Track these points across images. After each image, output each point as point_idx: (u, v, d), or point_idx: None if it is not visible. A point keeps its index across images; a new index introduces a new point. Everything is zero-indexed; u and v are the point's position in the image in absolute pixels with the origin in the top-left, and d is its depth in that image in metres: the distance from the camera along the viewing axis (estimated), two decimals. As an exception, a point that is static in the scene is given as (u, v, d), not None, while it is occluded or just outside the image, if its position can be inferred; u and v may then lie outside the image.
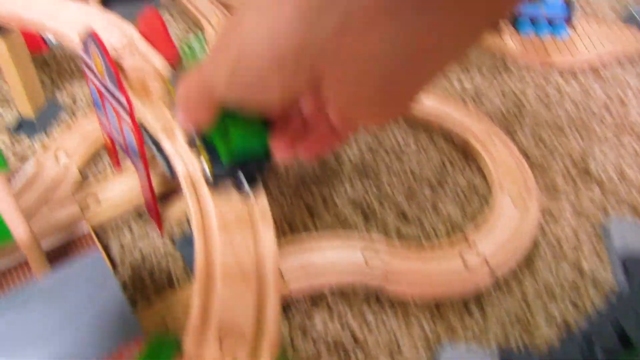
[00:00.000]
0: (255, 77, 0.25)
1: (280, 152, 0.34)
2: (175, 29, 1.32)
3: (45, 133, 1.03)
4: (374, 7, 0.21)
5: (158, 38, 0.77)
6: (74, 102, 1.10)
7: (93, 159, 0.98)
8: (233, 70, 0.25)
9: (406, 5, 0.20)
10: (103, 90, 0.78)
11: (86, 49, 0.75)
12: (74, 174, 0.92)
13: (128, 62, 0.78)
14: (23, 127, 1.04)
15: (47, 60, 1.21)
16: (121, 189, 0.90)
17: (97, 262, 0.68)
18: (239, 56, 0.24)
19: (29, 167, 0.92)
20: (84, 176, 0.95)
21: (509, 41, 1.27)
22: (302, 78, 0.24)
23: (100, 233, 0.87)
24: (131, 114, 0.71)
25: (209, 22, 1.29)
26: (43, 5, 0.88)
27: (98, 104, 0.85)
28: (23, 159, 0.99)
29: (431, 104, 1.06)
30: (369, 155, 0.99)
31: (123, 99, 0.70)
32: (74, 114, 1.07)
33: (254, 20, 0.23)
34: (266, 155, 0.50)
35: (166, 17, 1.35)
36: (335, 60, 0.23)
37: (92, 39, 0.70)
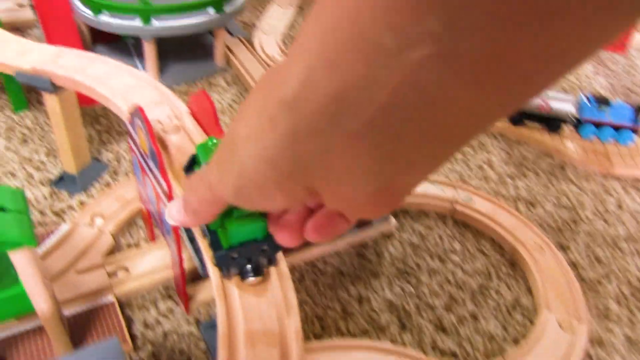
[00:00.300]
0: (257, 193, 0.28)
1: (283, 240, 0.35)
2: (230, 95, 1.31)
3: (85, 191, 1.02)
4: (355, 131, 0.22)
5: (206, 119, 0.75)
6: (118, 162, 1.09)
7: (128, 226, 0.96)
8: (237, 189, 0.29)
9: (386, 126, 0.21)
10: (144, 165, 0.76)
11: (132, 123, 0.74)
12: (107, 239, 0.91)
13: (172, 139, 0.76)
14: (65, 181, 1.03)
15: (98, 114, 1.21)
16: (152, 262, 0.87)
17: (113, 351, 0.65)
18: (241, 178, 0.28)
19: (64, 227, 0.91)
20: (117, 243, 0.93)
21: (570, 145, 1.22)
22: (299, 192, 0.27)
23: (125, 304, 0.84)
24: (170, 199, 0.69)
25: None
26: (98, 70, 0.87)
27: (139, 175, 0.83)
28: (59, 214, 0.98)
29: (482, 206, 1.02)
30: (411, 254, 0.95)
31: (163, 183, 0.67)
32: (116, 174, 1.06)
33: (249, 149, 0.26)
34: (264, 238, 0.59)
35: (221, 83, 1.35)
36: (326, 175, 0.25)
37: (139, 116, 0.68)
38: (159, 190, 0.72)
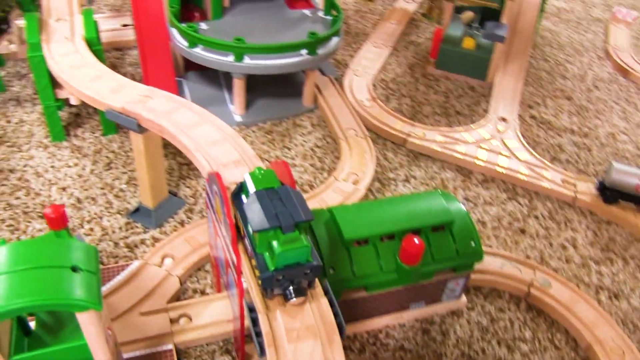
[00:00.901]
0: None
1: None
2: (313, 138, 1.30)
3: (159, 227, 1.03)
4: None
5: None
6: (195, 199, 1.10)
7: (196, 270, 0.96)
8: None
9: None
10: (217, 227, 0.75)
11: (210, 187, 0.73)
12: (174, 282, 0.91)
13: (249, 201, 0.75)
14: (141, 213, 1.05)
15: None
16: (215, 314, 0.87)
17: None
18: None
19: (134, 265, 0.92)
20: (183, 286, 0.93)
21: (666, 231, 1.14)
22: None
23: (182, 352, 0.84)
24: (238, 275, 0.68)
25: (346, 139, 1.26)
26: (183, 117, 0.88)
27: (210, 226, 0.83)
28: (131, 248, 0.99)
29: (560, 292, 0.96)
30: (478, 337, 0.90)
31: (234, 255, 0.67)
32: (191, 212, 1.07)
33: None
34: (307, 261, 0.64)
35: (306, 124, 1.34)
36: None
37: (216, 183, 0.68)
38: (228, 256, 0.72)
